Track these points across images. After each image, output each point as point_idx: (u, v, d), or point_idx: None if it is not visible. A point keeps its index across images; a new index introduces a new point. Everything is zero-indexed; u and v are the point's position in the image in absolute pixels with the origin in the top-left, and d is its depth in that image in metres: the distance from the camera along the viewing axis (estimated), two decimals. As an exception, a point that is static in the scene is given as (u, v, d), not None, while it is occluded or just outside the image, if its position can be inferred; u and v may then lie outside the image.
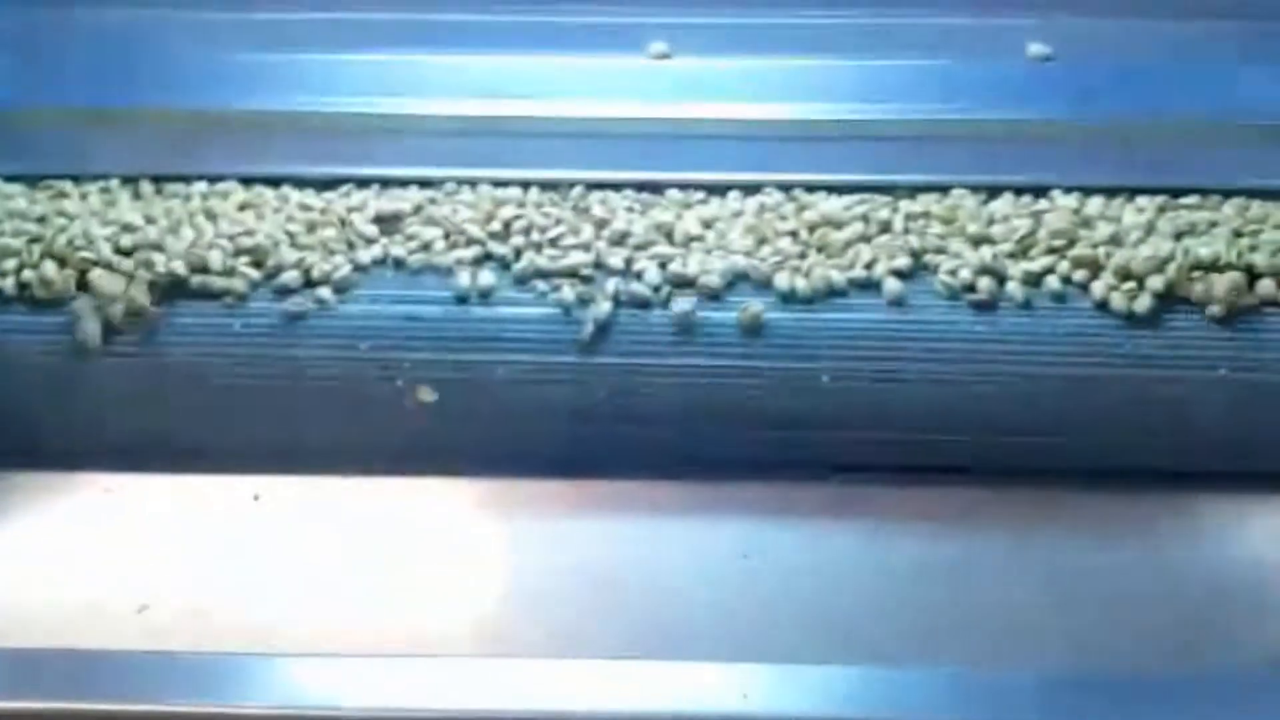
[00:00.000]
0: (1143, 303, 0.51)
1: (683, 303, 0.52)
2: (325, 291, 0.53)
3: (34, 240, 0.54)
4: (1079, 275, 0.52)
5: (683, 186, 0.57)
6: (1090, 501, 0.52)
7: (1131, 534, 0.51)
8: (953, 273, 0.52)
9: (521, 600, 0.49)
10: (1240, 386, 0.51)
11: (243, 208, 0.56)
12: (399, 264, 0.54)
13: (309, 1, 0.61)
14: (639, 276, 0.53)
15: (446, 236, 0.55)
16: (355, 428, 0.53)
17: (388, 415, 0.52)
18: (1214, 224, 0.54)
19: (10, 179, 0.58)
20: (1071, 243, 0.53)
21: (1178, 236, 0.53)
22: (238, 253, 0.53)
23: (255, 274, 0.53)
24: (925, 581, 0.49)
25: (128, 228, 0.55)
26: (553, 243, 0.54)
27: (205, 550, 0.51)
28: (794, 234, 0.54)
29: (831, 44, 0.60)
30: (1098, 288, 0.52)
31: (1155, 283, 0.51)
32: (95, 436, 0.53)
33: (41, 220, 0.55)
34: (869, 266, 0.53)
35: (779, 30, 0.60)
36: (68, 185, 0.57)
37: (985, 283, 0.52)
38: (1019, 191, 0.56)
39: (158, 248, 0.54)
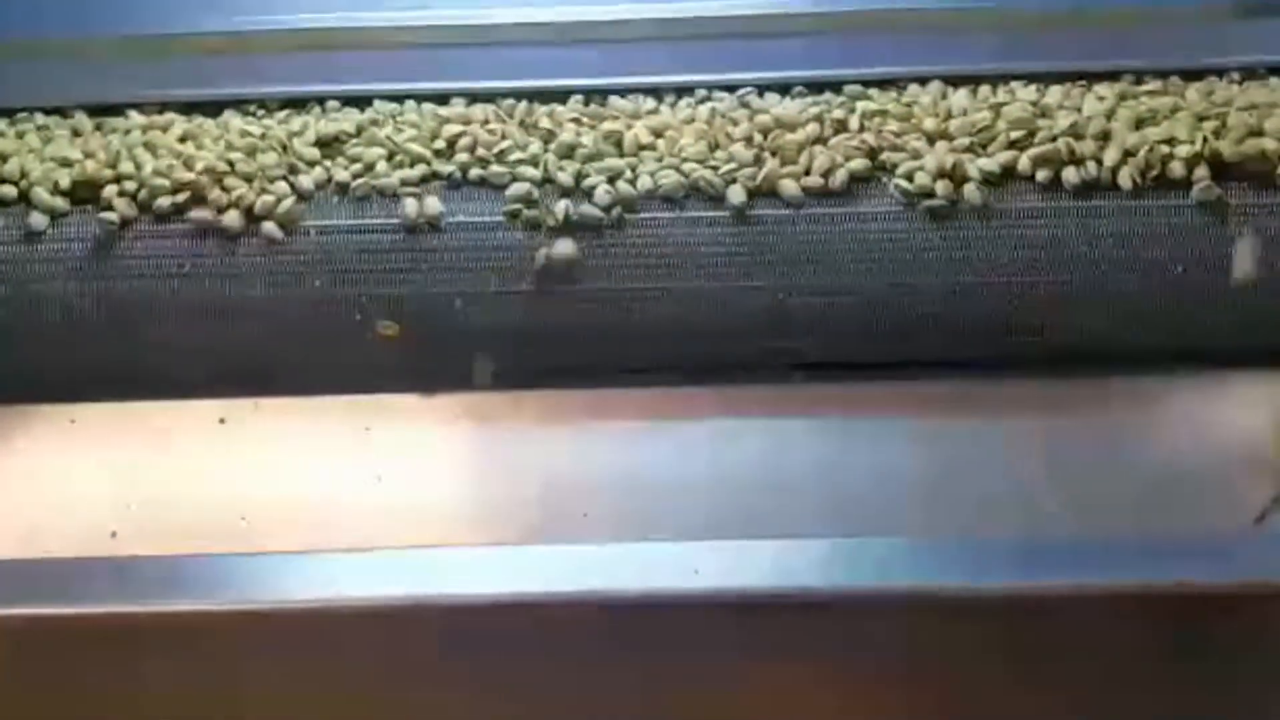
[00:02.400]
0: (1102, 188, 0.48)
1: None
2: (271, 226, 0.49)
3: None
4: (1042, 175, 0.49)
5: (630, 91, 0.53)
6: (1065, 388, 0.50)
7: (1110, 417, 0.49)
8: (909, 176, 0.49)
9: (496, 499, 0.48)
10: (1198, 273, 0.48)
11: (184, 139, 0.52)
12: (343, 189, 0.50)
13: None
14: (589, 194, 0.49)
15: (390, 157, 0.51)
16: (317, 354, 0.50)
17: (349, 342, 0.49)
18: (1176, 109, 0.50)
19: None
20: (1031, 134, 0.50)
21: (1138, 124, 0.49)
22: (177, 188, 0.50)
23: (206, 214, 0.49)
24: (896, 469, 0.48)
25: (65, 163, 0.51)
26: (499, 158, 0.51)
27: (175, 473, 0.49)
28: (748, 139, 0.51)
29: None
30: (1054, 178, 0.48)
31: (1122, 176, 0.48)
32: (58, 369, 0.50)
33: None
34: (826, 174, 0.49)
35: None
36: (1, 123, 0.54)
37: (942, 186, 0.49)
38: (976, 82, 0.52)
39: (96, 183, 0.50)
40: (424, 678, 0.43)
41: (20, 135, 0.53)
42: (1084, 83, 0.52)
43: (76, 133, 0.53)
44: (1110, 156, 0.49)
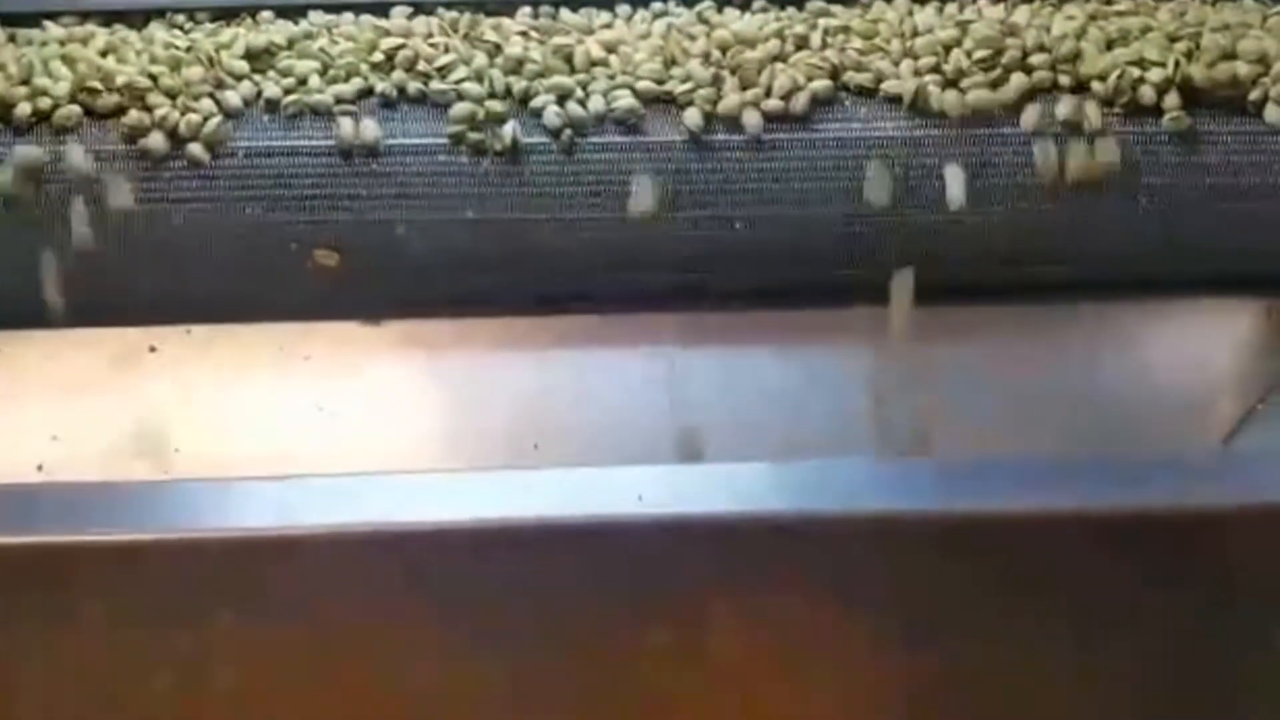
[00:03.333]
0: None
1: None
2: (197, 147, 0.45)
3: None
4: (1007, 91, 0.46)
5: (582, 4, 0.50)
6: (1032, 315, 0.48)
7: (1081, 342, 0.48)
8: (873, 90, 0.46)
9: (439, 427, 0.47)
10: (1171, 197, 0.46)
11: (105, 52, 0.48)
12: (273, 106, 0.46)
13: None
14: (538, 115, 0.46)
15: (324, 71, 0.47)
16: (250, 283, 0.47)
17: (285, 270, 0.46)
18: (1147, 29, 0.48)
19: None
20: (998, 53, 0.47)
21: (1108, 45, 0.47)
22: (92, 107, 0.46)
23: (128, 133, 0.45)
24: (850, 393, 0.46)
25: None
26: (441, 74, 0.47)
27: (103, 402, 0.46)
28: (705, 56, 0.47)
29: None
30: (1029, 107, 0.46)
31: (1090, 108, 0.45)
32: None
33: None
34: (786, 95, 0.46)
35: None
36: (-93, 29, 0.50)
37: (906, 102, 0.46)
38: (942, -1, 0.49)
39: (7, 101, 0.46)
40: (360, 605, 0.41)
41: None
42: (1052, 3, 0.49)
43: (-12, 43, 0.49)
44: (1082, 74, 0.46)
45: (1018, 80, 0.46)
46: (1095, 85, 0.46)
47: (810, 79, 0.47)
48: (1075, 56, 0.46)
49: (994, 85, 0.46)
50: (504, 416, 0.47)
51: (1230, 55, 0.46)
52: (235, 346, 0.48)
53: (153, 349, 0.48)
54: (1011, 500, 0.39)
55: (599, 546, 0.39)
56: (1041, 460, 0.42)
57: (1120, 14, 0.49)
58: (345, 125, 0.46)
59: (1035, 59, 0.46)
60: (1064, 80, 0.46)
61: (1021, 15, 0.48)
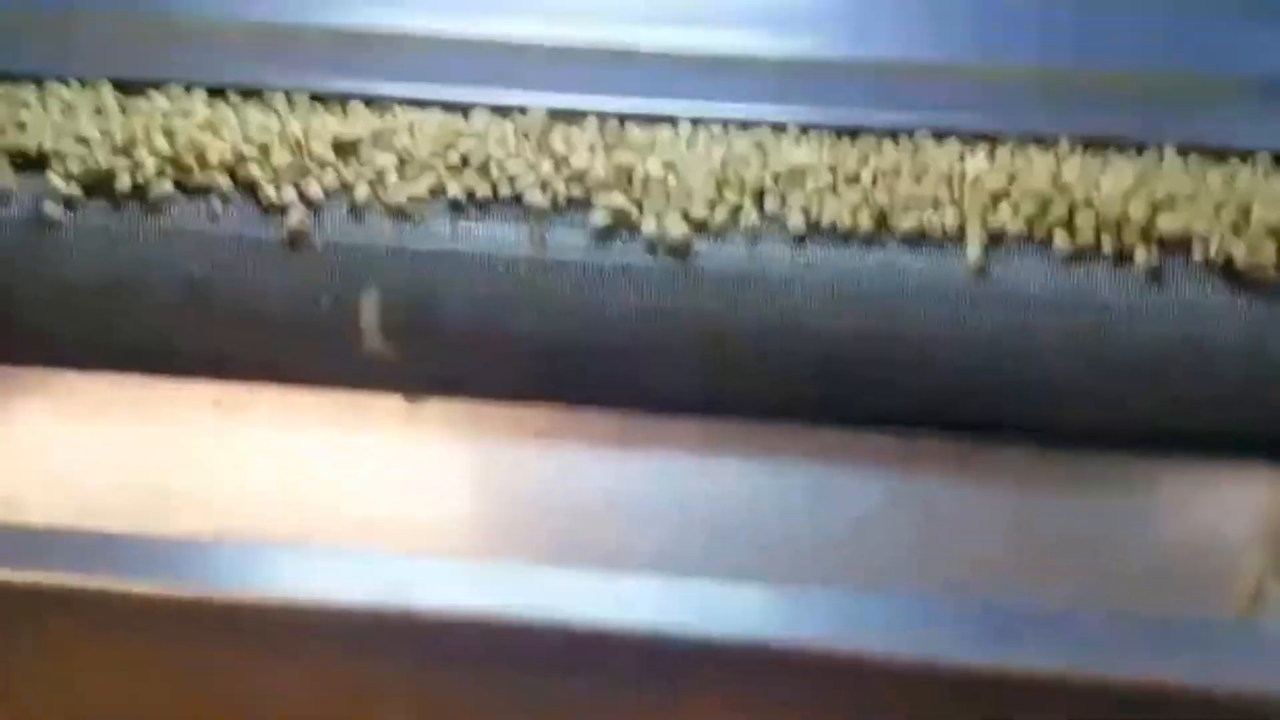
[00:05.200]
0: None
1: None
2: (279, 230, 0.47)
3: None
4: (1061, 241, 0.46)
5: (647, 118, 0.51)
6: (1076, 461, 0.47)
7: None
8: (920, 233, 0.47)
9: (468, 512, 0.47)
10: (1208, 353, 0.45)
11: (203, 127, 0.51)
12: (352, 198, 0.48)
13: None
14: (594, 221, 0.47)
15: (402, 166, 0.49)
16: (312, 355, 0.49)
17: (345, 348, 0.48)
18: (1196, 195, 0.47)
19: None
20: (1044, 208, 0.47)
21: (1155, 210, 0.47)
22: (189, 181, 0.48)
23: (217, 204, 0.48)
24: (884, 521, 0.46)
25: (82, 140, 0.49)
26: (510, 180, 0.48)
27: (166, 452, 0.48)
28: (759, 189, 0.48)
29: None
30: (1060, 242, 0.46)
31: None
32: (62, 337, 0.49)
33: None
34: (832, 225, 0.47)
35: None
36: (30, 92, 0.52)
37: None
38: (991, 141, 0.49)
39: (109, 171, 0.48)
40: (373, 685, 0.42)
41: (45, 107, 0.52)
42: (1104, 154, 0.49)
43: (99, 110, 0.52)
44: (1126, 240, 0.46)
45: (1061, 240, 0.46)
46: (1139, 253, 0.46)
47: (856, 212, 0.47)
48: (1121, 221, 0.46)
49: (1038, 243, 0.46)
50: (526, 505, 0.47)
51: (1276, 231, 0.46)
52: (293, 412, 0.50)
53: (217, 403, 0.49)
54: (1002, 653, 0.39)
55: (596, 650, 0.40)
56: (1059, 615, 0.41)
57: (1171, 175, 0.48)
58: (416, 218, 0.47)
59: (1081, 218, 0.46)
60: (1107, 244, 0.46)
61: (1072, 169, 0.48)
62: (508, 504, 0.48)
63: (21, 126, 0.50)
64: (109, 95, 0.52)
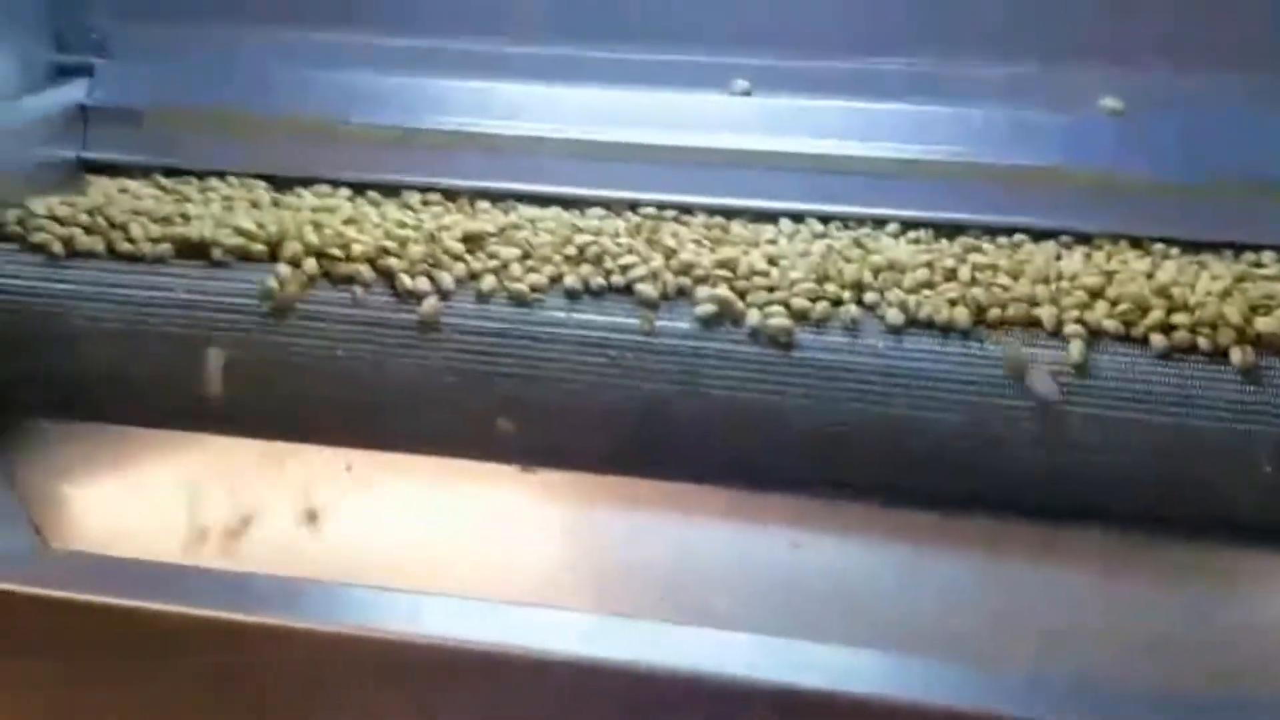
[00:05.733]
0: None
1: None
2: (414, 317, 0.51)
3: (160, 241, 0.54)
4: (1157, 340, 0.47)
5: (756, 214, 0.54)
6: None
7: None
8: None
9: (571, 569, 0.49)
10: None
11: (347, 221, 0.55)
12: (480, 288, 0.51)
13: (428, 29, 0.60)
14: (700, 310, 0.50)
15: (525, 258, 0.53)
16: (439, 423, 0.52)
17: (469, 418, 0.51)
18: (1291, 296, 0.48)
19: (145, 171, 0.59)
20: (1143, 311, 0.48)
21: (1252, 310, 0.47)
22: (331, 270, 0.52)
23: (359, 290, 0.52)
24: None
25: (240, 232, 0.54)
26: (624, 270, 0.52)
27: (295, 508, 0.51)
28: (858, 282, 0.50)
29: (905, 88, 0.55)
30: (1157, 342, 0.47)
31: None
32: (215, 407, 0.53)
33: (166, 220, 0.55)
34: (929, 321, 0.49)
35: (854, 74, 0.56)
36: (193, 188, 0.58)
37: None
38: (1086, 241, 0.51)
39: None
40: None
41: (207, 201, 0.57)
42: (1199, 258, 0.50)
43: (255, 204, 0.57)
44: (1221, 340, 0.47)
45: (1158, 341, 0.47)
46: (1234, 353, 0.46)
47: (954, 308, 0.49)
48: (1217, 321, 0.47)
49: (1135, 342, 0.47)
50: (625, 568, 0.49)
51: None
52: (416, 478, 0.53)
53: (348, 468, 0.53)
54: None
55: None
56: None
57: (1267, 278, 0.49)
58: (536, 306, 0.50)
59: (1177, 318, 0.47)
60: (1203, 343, 0.47)
61: (1168, 272, 0.49)
62: (607, 563, 0.50)
63: (186, 218, 0.55)
64: (263, 191, 0.58)
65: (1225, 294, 0.48)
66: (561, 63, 0.58)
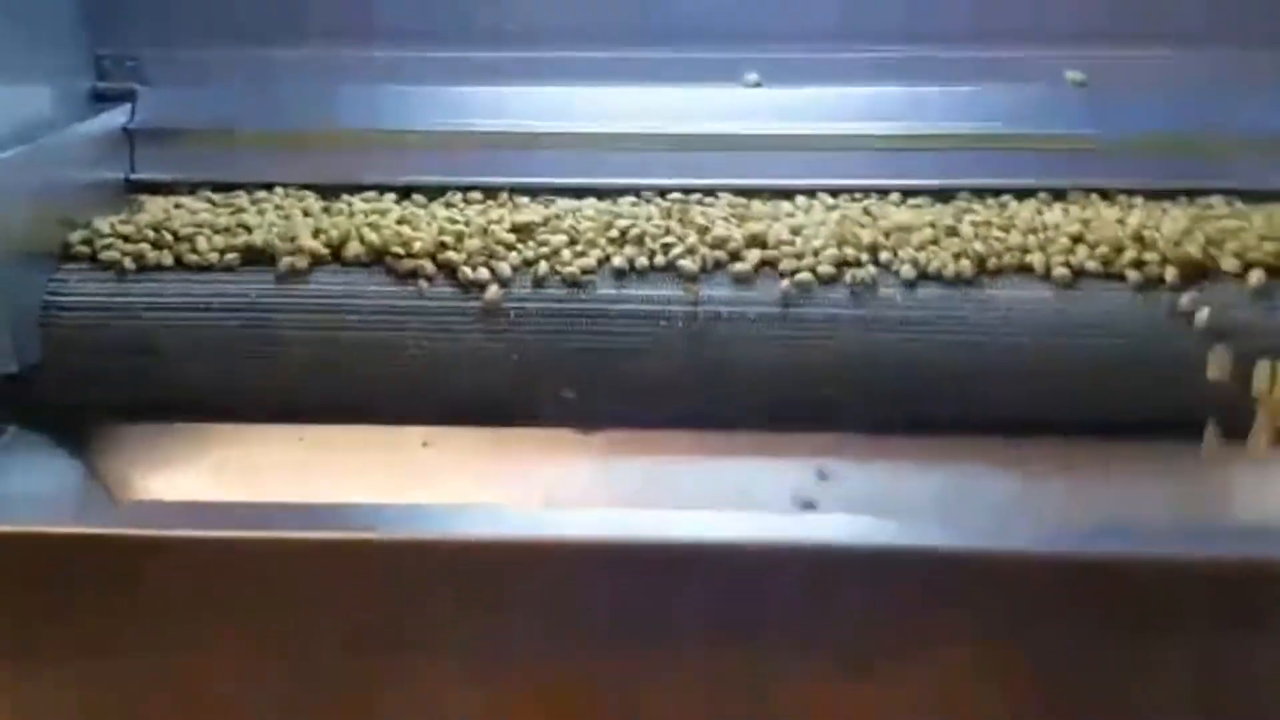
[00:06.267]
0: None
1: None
2: (478, 304, 0.55)
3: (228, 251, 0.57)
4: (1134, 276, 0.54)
5: (772, 192, 0.60)
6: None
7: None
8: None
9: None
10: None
11: (400, 221, 0.59)
12: (535, 274, 0.56)
13: (464, 43, 0.64)
14: (736, 278, 0.56)
15: (572, 243, 0.58)
16: (509, 396, 0.56)
17: (533, 397, 0.56)
18: (1242, 229, 0.56)
19: (191, 188, 0.63)
20: (1118, 251, 0.55)
21: (1209, 244, 0.55)
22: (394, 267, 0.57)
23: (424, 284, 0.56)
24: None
25: (290, 238, 0.57)
26: (665, 250, 0.57)
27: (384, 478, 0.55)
28: (873, 244, 0.57)
29: (897, 73, 0.62)
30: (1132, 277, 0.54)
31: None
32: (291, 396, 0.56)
33: (228, 231, 0.59)
34: (939, 272, 0.55)
35: (851, 63, 0.63)
36: (244, 200, 0.62)
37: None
38: (1062, 196, 0.58)
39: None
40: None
41: (261, 212, 0.61)
42: (1161, 205, 0.58)
43: (306, 213, 0.61)
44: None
45: (1133, 276, 0.54)
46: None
47: (959, 259, 0.56)
48: (1185, 260, 0.54)
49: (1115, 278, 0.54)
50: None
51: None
52: (488, 445, 0.57)
53: (425, 444, 0.56)
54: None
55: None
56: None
57: (1217, 217, 0.57)
58: (589, 287, 0.56)
59: (1147, 255, 0.55)
60: (1170, 275, 0.54)
61: (1136, 217, 0.57)
62: (665, 498, 0.54)
63: (248, 228, 0.59)
64: (312, 200, 0.62)
65: (1186, 233, 0.56)
66: (586, 65, 0.63)
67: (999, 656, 0.46)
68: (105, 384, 0.57)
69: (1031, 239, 0.56)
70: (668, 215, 0.59)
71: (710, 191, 0.61)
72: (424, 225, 0.59)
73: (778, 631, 0.46)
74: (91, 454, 0.57)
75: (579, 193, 0.62)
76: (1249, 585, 0.44)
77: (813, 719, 0.47)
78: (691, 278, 0.56)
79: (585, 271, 0.57)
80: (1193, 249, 0.55)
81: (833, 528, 0.47)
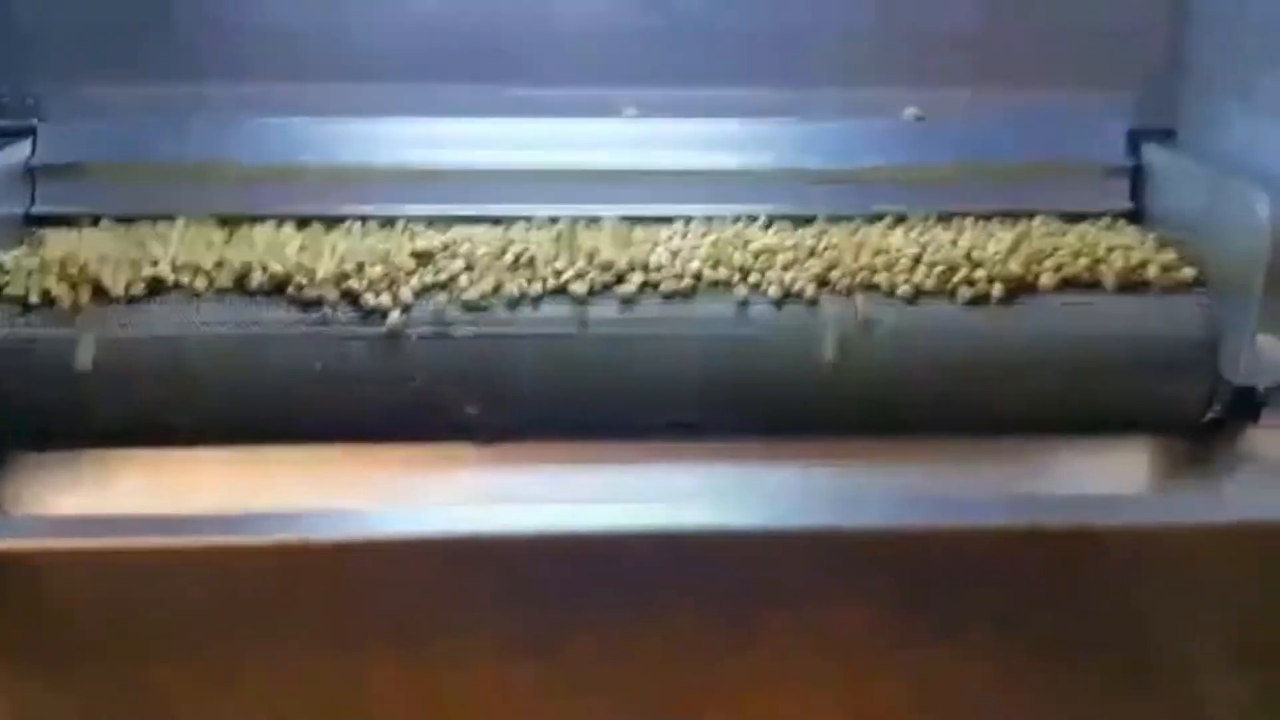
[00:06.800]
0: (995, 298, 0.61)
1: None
2: (382, 330, 0.59)
3: (134, 282, 0.60)
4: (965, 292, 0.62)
5: (652, 218, 0.66)
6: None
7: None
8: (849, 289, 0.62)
9: None
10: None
11: (302, 250, 0.63)
12: (435, 299, 0.60)
13: (359, 77, 0.68)
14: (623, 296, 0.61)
15: (469, 268, 0.62)
16: (407, 416, 0.60)
17: (438, 414, 0.60)
18: (1058, 248, 0.64)
19: (94, 220, 0.65)
20: (951, 270, 0.63)
21: (1030, 261, 0.63)
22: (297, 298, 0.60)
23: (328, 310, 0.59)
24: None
25: (194, 269, 0.60)
26: (556, 274, 0.62)
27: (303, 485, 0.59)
28: (743, 266, 0.62)
29: (761, 109, 0.69)
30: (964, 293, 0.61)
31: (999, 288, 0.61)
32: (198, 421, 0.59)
33: (135, 264, 0.61)
34: (790, 289, 0.61)
35: (721, 99, 0.69)
36: (148, 232, 0.64)
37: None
38: (901, 220, 0.66)
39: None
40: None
41: (165, 244, 0.63)
42: (991, 224, 0.66)
43: (209, 244, 0.63)
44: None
45: (964, 292, 0.62)
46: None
47: (811, 275, 0.62)
48: (1009, 276, 0.62)
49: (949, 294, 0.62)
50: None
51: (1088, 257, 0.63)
52: (391, 459, 0.62)
53: (330, 461, 0.60)
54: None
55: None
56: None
57: (1043, 235, 0.65)
58: (489, 310, 0.60)
59: (977, 273, 0.62)
60: (996, 290, 0.62)
61: (966, 237, 0.65)
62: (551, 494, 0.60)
63: (154, 260, 0.61)
64: (214, 231, 0.64)
65: (1010, 251, 0.63)
66: (480, 100, 0.67)
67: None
68: (14, 413, 0.59)
69: (878, 259, 0.63)
70: (557, 240, 0.64)
71: (595, 218, 0.66)
72: (326, 254, 0.62)
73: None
74: (-1, 481, 0.59)
75: (473, 221, 0.66)
76: (1037, 551, 0.52)
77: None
78: (581, 300, 0.61)
79: (483, 296, 0.61)
80: (1015, 266, 0.63)
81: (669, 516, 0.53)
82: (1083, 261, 0.63)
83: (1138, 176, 0.69)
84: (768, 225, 0.66)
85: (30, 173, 0.65)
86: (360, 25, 0.67)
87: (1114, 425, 0.63)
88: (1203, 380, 0.62)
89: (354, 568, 0.52)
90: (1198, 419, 0.63)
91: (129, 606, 0.52)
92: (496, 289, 0.61)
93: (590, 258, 0.63)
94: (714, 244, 0.64)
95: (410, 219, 0.66)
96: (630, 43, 0.68)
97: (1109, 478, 0.64)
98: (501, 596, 0.52)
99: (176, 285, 0.60)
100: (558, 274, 0.62)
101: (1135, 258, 0.63)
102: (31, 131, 0.66)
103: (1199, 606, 0.54)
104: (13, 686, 0.52)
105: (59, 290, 0.60)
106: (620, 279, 0.62)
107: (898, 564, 0.53)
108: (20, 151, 0.65)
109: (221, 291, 0.60)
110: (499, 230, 0.65)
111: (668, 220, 0.66)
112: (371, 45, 0.67)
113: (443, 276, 0.62)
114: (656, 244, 0.64)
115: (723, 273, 0.62)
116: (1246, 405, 0.61)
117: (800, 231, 0.65)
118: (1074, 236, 0.65)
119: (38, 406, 0.59)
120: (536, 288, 0.61)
